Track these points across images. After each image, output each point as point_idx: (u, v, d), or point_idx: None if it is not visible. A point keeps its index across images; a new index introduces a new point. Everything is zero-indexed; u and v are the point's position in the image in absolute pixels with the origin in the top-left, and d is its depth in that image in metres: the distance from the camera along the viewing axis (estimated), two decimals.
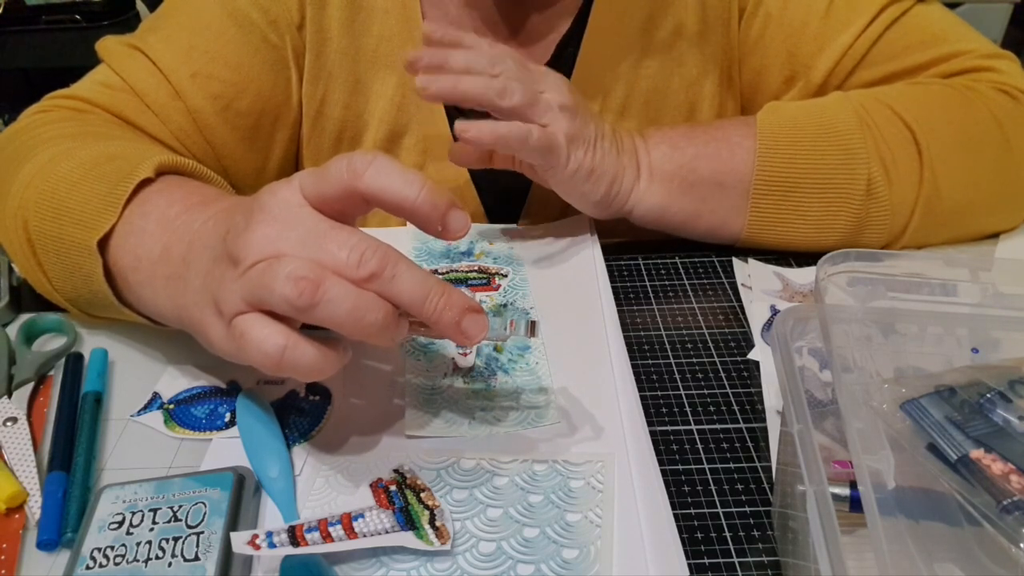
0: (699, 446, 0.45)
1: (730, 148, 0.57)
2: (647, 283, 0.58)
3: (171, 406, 0.47)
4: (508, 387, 0.47)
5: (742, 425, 0.46)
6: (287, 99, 0.65)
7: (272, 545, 0.37)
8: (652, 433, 0.45)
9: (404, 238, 0.61)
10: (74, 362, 0.50)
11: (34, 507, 0.41)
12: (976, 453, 0.33)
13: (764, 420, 0.46)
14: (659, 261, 0.60)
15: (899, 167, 0.56)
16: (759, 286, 0.57)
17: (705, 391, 0.48)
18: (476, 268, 0.58)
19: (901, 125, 0.56)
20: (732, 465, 0.44)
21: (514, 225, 0.64)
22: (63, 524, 0.40)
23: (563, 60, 0.65)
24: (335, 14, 0.63)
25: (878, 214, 0.56)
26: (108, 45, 0.62)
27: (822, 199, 0.56)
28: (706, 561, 0.39)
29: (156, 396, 0.48)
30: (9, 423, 0.46)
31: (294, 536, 0.37)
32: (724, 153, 0.57)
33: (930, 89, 0.60)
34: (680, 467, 0.44)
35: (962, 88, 0.59)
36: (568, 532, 0.39)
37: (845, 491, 0.35)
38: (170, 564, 0.36)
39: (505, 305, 0.54)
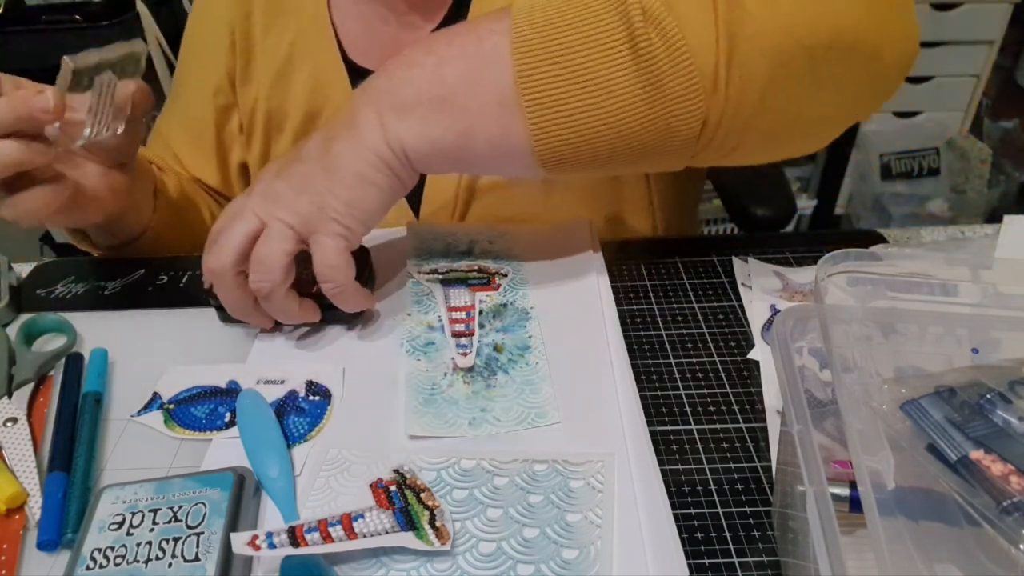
0: (699, 446, 0.45)
1: (478, 39, 0.46)
2: (647, 283, 0.58)
3: (171, 406, 0.47)
4: (508, 387, 0.47)
5: (742, 425, 0.46)
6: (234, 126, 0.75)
7: (272, 545, 0.37)
8: (652, 433, 0.45)
9: (404, 239, 0.61)
10: (74, 362, 0.50)
11: (34, 507, 0.41)
12: (976, 454, 0.33)
13: (764, 420, 0.46)
14: (659, 261, 0.60)
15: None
16: (759, 286, 0.57)
17: (705, 391, 0.48)
18: (476, 268, 0.58)
19: None
20: (732, 465, 0.44)
21: (514, 225, 0.64)
22: (63, 524, 0.40)
23: (460, 6, 0.66)
24: (259, 20, 0.70)
25: (670, 58, 0.42)
26: None
27: (598, 54, 0.43)
28: (706, 561, 0.39)
29: (156, 396, 0.48)
30: (9, 423, 0.46)
31: (294, 536, 0.37)
32: (471, 47, 0.46)
33: None
34: (680, 467, 0.44)
35: None
36: (568, 532, 0.39)
37: (845, 491, 0.35)
38: (170, 565, 0.36)
39: (505, 305, 0.54)
